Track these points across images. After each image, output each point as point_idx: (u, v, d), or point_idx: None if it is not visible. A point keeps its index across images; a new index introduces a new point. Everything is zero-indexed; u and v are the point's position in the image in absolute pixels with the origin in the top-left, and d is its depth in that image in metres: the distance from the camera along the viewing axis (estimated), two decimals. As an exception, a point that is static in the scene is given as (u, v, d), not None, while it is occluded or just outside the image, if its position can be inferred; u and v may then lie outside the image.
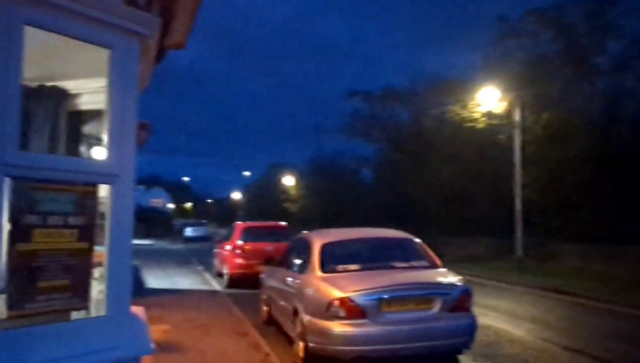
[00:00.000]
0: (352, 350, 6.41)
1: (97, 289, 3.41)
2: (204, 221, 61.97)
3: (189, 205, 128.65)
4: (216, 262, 18.88)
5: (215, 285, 16.02)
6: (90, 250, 3.27)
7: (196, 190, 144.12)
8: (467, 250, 25.77)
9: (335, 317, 6.48)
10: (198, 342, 8.42)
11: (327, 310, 6.54)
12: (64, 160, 3.50)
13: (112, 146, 3.37)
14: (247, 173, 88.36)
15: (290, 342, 8.28)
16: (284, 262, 9.51)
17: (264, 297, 10.45)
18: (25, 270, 2.98)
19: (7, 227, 2.93)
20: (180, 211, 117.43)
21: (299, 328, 7.34)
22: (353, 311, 6.44)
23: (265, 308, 10.32)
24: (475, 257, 23.92)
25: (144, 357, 6.35)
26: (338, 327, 6.43)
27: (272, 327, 9.71)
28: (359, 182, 58.19)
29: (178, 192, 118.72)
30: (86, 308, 3.27)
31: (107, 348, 3.24)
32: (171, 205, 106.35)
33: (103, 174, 3.35)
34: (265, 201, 67.60)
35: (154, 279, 17.53)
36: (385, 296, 6.54)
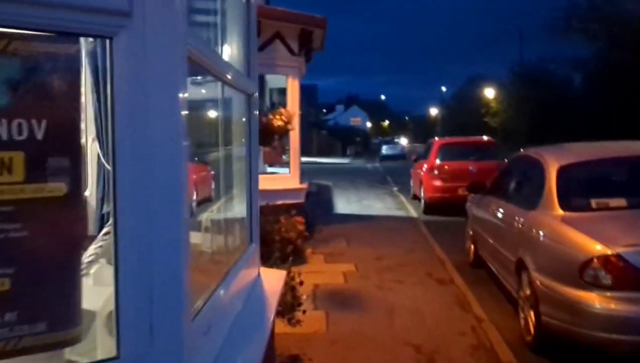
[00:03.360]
0: (626, 341, 3.97)
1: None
2: (400, 138, 60.39)
3: (386, 123, 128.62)
4: (412, 183, 16.87)
5: (411, 210, 14.07)
6: (70, 204, 1.33)
7: (393, 108, 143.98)
8: None
9: (594, 285, 4.04)
10: (386, 293, 6.54)
11: (580, 274, 4.12)
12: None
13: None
14: (444, 88, 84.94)
15: (510, 300, 6.02)
16: (497, 189, 7.11)
17: (470, 232, 8.19)
18: None
19: None
20: (377, 129, 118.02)
21: (526, 291, 5.02)
22: (628, 278, 3.94)
23: (471, 246, 8.08)
24: None
25: (309, 313, 4.39)
26: (600, 302, 4.00)
27: (481, 270, 7.49)
28: (571, 91, 51.71)
29: (375, 110, 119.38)
30: (72, 341, 1.38)
31: None
32: (369, 124, 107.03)
33: (87, 8, 1.33)
34: (463, 116, 63.88)
35: (344, 202, 16.14)
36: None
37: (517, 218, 5.58)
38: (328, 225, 11.39)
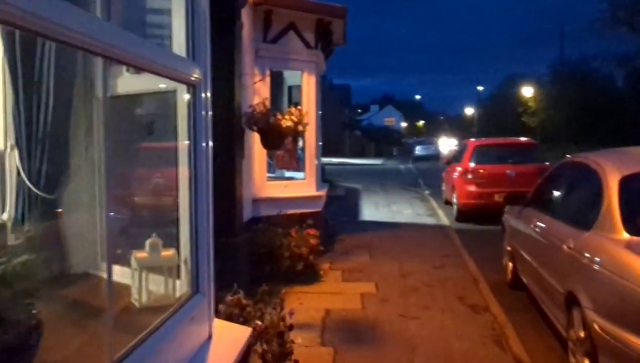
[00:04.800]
0: None
1: None
2: (434, 139, 59.01)
3: (421, 123, 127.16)
4: (444, 187, 15.81)
5: (443, 217, 13.03)
6: None
7: (428, 108, 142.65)
8: None
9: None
10: (408, 323, 5.59)
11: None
12: None
13: None
14: (480, 88, 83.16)
15: (557, 335, 5.03)
16: (540, 200, 6.10)
17: (508, 248, 7.19)
18: None
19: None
20: (412, 129, 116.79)
21: (579, 333, 4.03)
22: None
23: (509, 264, 7.08)
24: None
25: (314, 350, 3.44)
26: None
27: (521, 293, 6.50)
28: (614, 89, 49.78)
29: (410, 110, 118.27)
30: None
31: None
32: (404, 124, 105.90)
33: None
34: (500, 116, 62.22)
35: (372, 207, 15.17)
36: None
37: (565, 239, 4.57)
38: (351, 234, 10.47)
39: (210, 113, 2.27)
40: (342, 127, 60.33)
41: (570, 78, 48.76)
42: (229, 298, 3.62)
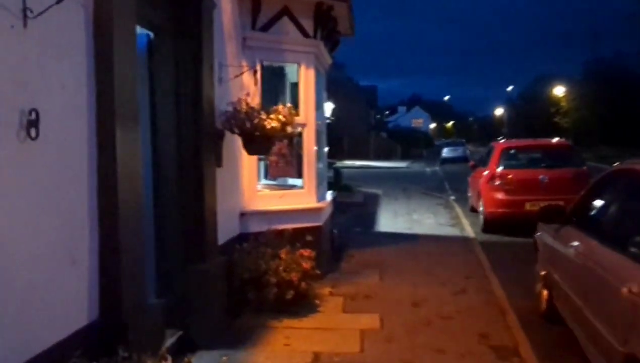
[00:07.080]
0: None
1: None
2: (463, 140, 57.18)
3: (449, 124, 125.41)
4: (470, 193, 14.51)
5: (467, 227, 11.76)
6: None
7: (457, 109, 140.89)
8: None
9: None
10: (415, 374, 4.42)
11: None
12: None
13: None
14: (510, 88, 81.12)
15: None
16: (584, 218, 4.89)
17: (542, 272, 5.95)
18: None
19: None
20: (441, 131, 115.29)
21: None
22: None
23: (543, 291, 5.85)
24: None
25: None
26: None
27: (559, 327, 5.27)
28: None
29: (439, 111, 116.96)
30: None
31: None
32: (432, 125, 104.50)
33: None
34: (531, 116, 60.28)
35: (390, 216, 13.93)
36: None
37: (625, 278, 3.36)
38: (363, 249, 9.32)
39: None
40: (368, 129, 58.99)
41: (604, 77, 46.84)
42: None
